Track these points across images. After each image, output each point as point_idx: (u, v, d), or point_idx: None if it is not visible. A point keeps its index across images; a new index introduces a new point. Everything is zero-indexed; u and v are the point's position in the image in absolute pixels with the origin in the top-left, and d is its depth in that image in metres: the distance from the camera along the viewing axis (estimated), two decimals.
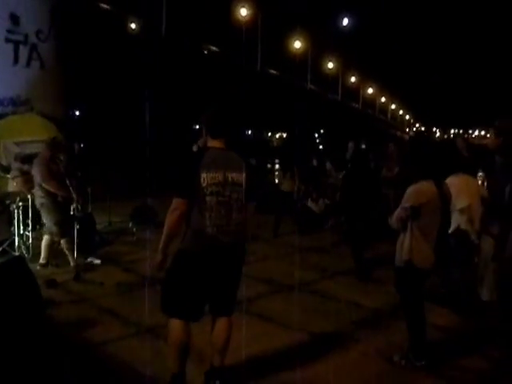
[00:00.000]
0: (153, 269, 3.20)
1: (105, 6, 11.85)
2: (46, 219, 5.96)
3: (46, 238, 6.05)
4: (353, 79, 35.29)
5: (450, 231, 4.71)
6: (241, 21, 19.78)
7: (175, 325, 3.14)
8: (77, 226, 6.09)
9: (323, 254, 7.11)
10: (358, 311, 4.85)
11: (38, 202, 5.94)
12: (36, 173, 5.84)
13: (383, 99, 46.10)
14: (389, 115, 50.30)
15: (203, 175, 2.99)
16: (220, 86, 17.02)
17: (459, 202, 4.59)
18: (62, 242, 5.96)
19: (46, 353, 3.77)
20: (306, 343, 4.10)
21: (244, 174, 3.13)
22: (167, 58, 15.15)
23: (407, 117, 56.96)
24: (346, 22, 26.35)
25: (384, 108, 48.34)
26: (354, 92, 37.70)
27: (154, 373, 3.46)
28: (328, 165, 10.38)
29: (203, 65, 18.35)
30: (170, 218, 3.02)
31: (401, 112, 53.76)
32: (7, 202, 6.58)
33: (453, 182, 4.50)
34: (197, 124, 23.53)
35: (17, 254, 6.26)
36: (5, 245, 6.38)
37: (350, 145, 8.97)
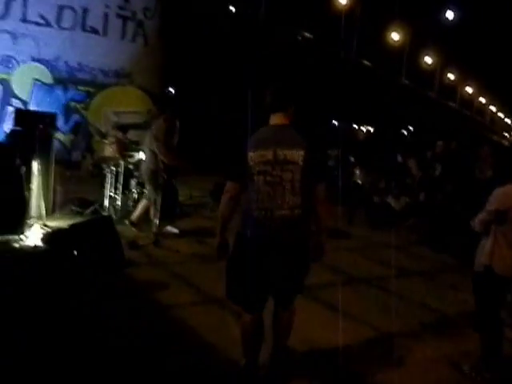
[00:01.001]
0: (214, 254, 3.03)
1: None
2: (148, 185, 6.15)
3: (145, 202, 6.27)
4: (451, 76, 33.35)
5: None
6: (339, 9, 19.37)
7: (243, 315, 3.01)
8: (160, 195, 6.38)
9: (399, 251, 6.88)
10: (429, 314, 4.67)
11: (145, 167, 6.14)
12: (152, 142, 5.99)
13: (483, 100, 43.11)
14: (487, 117, 46.99)
15: (250, 154, 2.77)
16: (312, 74, 16.87)
17: None
18: (152, 208, 6.17)
19: (121, 307, 4.06)
20: (370, 338, 4.02)
21: (302, 152, 2.76)
22: (263, 41, 15.28)
23: (508, 120, 52.80)
24: (450, 15, 24.81)
25: (482, 109, 45.21)
26: (452, 90, 35.64)
27: (216, 340, 3.58)
28: (411, 162, 9.99)
29: (297, 51, 18.26)
30: (221, 200, 2.92)
31: (501, 115, 49.99)
32: (103, 166, 7.10)
33: None
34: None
35: (106, 214, 6.76)
36: (96, 205, 6.91)
37: (439, 143, 8.59)
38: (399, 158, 10.77)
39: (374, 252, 6.78)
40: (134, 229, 6.28)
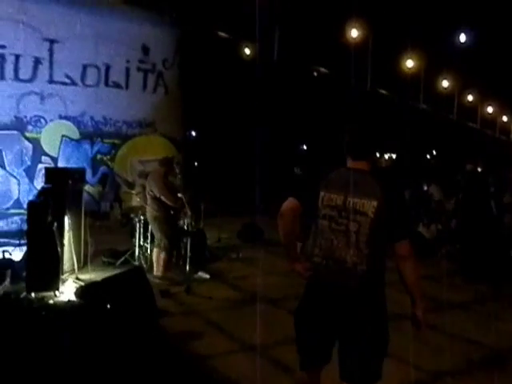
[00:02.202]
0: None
1: (222, 33, 12.67)
2: (157, 232, 6.22)
3: (156, 251, 6.31)
4: (470, 98, 33.14)
5: None
6: (351, 41, 19.64)
7: (297, 369, 2.73)
8: (189, 241, 6.42)
9: (436, 283, 6.67)
10: (475, 349, 4.47)
11: (150, 215, 6.24)
12: (153, 187, 6.15)
13: (505, 118, 42.56)
14: (511, 136, 46.24)
15: (322, 193, 2.54)
16: (329, 107, 17.02)
17: None
18: (162, 254, 6.18)
19: (157, 360, 4.00)
20: (418, 380, 3.83)
21: (375, 203, 2.43)
22: (278, 80, 15.59)
23: None
24: (463, 37, 24.85)
25: (506, 128, 44.57)
26: (472, 111, 35.33)
27: None
28: (432, 188, 9.80)
29: (312, 86, 18.52)
30: (279, 218, 2.61)
31: None
32: (131, 215, 7.20)
33: None
34: (304, 145, 23.71)
35: (136, 263, 6.80)
36: (126, 255, 6.96)
37: (468, 167, 8.45)
38: (425, 186, 10.62)
39: None
40: (164, 281, 6.21)
